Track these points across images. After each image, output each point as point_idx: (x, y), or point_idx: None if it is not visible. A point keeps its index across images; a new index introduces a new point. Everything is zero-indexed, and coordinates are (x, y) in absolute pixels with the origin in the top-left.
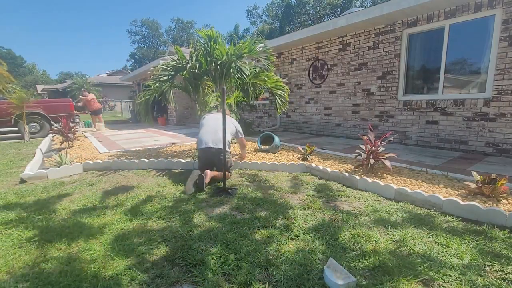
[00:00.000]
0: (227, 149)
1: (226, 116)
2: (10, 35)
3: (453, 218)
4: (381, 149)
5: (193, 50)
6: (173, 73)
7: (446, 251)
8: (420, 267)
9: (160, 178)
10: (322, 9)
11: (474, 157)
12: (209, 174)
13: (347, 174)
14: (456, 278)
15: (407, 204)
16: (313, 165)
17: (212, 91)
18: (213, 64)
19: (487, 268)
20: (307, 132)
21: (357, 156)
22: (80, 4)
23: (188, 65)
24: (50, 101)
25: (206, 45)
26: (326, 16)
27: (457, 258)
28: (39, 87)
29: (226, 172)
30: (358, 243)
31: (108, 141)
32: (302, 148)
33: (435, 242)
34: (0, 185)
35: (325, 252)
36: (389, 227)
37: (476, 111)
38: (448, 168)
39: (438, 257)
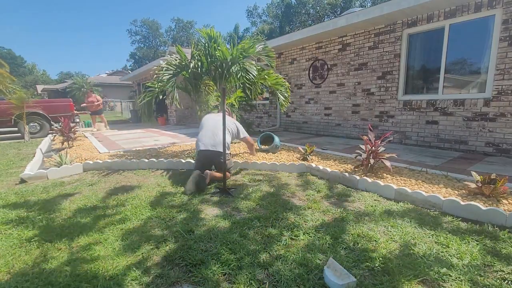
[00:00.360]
0: (226, 150)
1: (227, 116)
2: (10, 35)
3: (453, 218)
4: (381, 149)
5: (195, 50)
6: (177, 71)
7: (446, 251)
8: (420, 267)
9: (160, 178)
10: (322, 9)
11: (474, 157)
12: (210, 174)
13: (347, 174)
14: (456, 278)
15: (407, 204)
16: (313, 165)
17: (213, 91)
18: (214, 64)
19: (487, 268)
20: (307, 132)
21: (357, 156)
22: (80, 4)
23: (192, 64)
24: (50, 101)
25: (206, 45)
26: (326, 16)
27: (457, 258)
28: (39, 87)
29: (226, 172)
30: (358, 243)
31: (108, 141)
32: (302, 148)
33: (435, 242)
34: (0, 185)
35: (325, 252)
36: (389, 227)
37: (476, 111)
38: (448, 168)
39: (438, 257)
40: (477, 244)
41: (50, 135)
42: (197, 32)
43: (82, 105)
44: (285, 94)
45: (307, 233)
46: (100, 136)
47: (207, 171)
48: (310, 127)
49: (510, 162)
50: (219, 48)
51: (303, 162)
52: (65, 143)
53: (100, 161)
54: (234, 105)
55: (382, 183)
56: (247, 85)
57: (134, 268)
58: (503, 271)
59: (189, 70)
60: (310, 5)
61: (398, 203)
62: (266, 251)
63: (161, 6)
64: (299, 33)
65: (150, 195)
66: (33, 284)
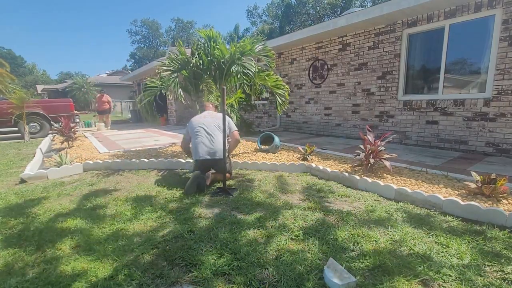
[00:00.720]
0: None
1: (215, 113)
2: (10, 35)
3: (453, 218)
4: (381, 149)
5: (195, 49)
6: (179, 67)
7: (446, 251)
8: (420, 267)
9: (160, 178)
10: (322, 9)
11: (474, 157)
12: (211, 175)
13: (347, 174)
14: (456, 278)
15: (407, 204)
16: (313, 165)
17: (213, 91)
18: (214, 63)
19: (487, 268)
20: (307, 132)
21: (357, 156)
22: (80, 4)
23: (194, 60)
24: (50, 101)
25: (206, 44)
26: (326, 16)
27: (457, 258)
28: (39, 87)
29: (227, 173)
30: (358, 243)
31: (108, 141)
32: (302, 148)
33: (435, 242)
34: (0, 185)
35: (325, 252)
36: (389, 227)
37: (476, 111)
38: (448, 168)
39: (438, 257)
40: (477, 244)
41: (50, 135)
42: (197, 32)
43: (98, 109)
44: (283, 98)
45: (307, 233)
46: (100, 136)
47: (208, 172)
48: (310, 127)
49: (510, 162)
50: (218, 47)
51: (303, 162)
52: (65, 143)
53: (100, 161)
54: (233, 106)
55: (382, 183)
56: (246, 85)
57: (134, 268)
58: (503, 271)
59: (191, 65)
60: (310, 5)
61: (398, 203)
62: (266, 251)
63: (161, 6)
64: (299, 33)
65: (150, 195)
66: (33, 284)
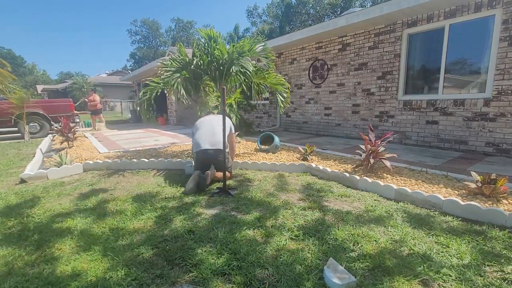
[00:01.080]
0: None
1: (219, 116)
2: (10, 35)
3: (453, 218)
4: (381, 149)
5: (196, 49)
6: (180, 68)
7: (446, 251)
8: (420, 267)
9: (160, 178)
10: (322, 9)
11: (474, 157)
12: (210, 174)
13: (347, 174)
14: (456, 278)
15: (407, 204)
16: (313, 165)
17: (213, 91)
18: (214, 63)
19: (487, 268)
20: (307, 132)
21: (357, 156)
22: (80, 4)
23: (195, 60)
24: (50, 101)
25: (206, 44)
26: (326, 16)
27: (457, 258)
28: (39, 87)
29: (226, 172)
30: (358, 243)
31: (108, 141)
32: (302, 148)
33: (435, 242)
34: (0, 185)
35: (325, 252)
36: (389, 227)
37: (476, 111)
38: (448, 168)
39: (438, 257)
40: (477, 244)
41: (50, 135)
42: (197, 32)
43: (80, 100)
44: (284, 95)
45: (307, 233)
46: (100, 136)
47: (208, 171)
48: (310, 127)
49: (510, 162)
50: (217, 47)
51: (303, 162)
52: (65, 143)
53: (100, 161)
54: (232, 106)
55: (382, 183)
56: (244, 83)
57: (134, 268)
58: (503, 271)
59: (191, 67)
60: (310, 5)
61: (398, 203)
62: (266, 251)
63: (161, 6)
64: (299, 33)
65: (150, 195)
66: (33, 284)
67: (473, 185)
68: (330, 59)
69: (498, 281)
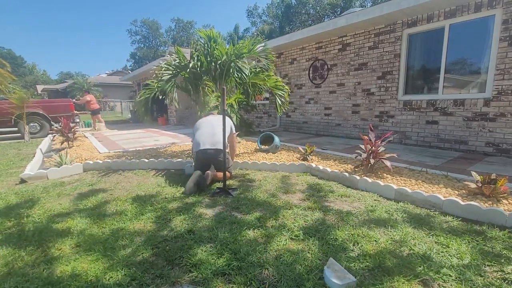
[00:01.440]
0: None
1: (219, 116)
2: (10, 35)
3: (453, 218)
4: (381, 149)
5: (194, 50)
6: (176, 71)
7: (446, 251)
8: (420, 267)
9: (160, 178)
10: (322, 9)
11: (474, 157)
12: (210, 174)
13: (347, 174)
14: (456, 278)
15: (407, 204)
16: (313, 165)
17: (212, 91)
18: (213, 64)
19: (487, 268)
20: (307, 132)
21: (357, 156)
22: (80, 4)
23: (191, 64)
24: (50, 101)
25: (206, 45)
26: (326, 16)
27: (457, 258)
28: (39, 87)
29: (226, 172)
30: (358, 243)
31: (108, 141)
32: (302, 148)
33: (435, 242)
34: (0, 185)
35: (325, 252)
36: (389, 227)
37: (476, 111)
38: (448, 168)
39: (438, 257)
40: (477, 244)
41: (50, 135)
42: (197, 32)
43: (74, 99)
44: (282, 99)
45: (307, 233)
46: (100, 136)
47: (208, 171)
48: (310, 127)
49: (510, 162)
50: (217, 47)
51: (303, 162)
52: (65, 143)
53: (100, 161)
54: (233, 106)
55: (382, 183)
56: (239, 84)
57: (134, 268)
58: (503, 271)
59: (188, 70)
60: (310, 5)
61: (398, 203)
62: (266, 251)
63: (161, 6)
64: (299, 33)
65: (150, 195)
66: (33, 283)
67: (473, 185)
68: (330, 59)
69: (498, 281)
